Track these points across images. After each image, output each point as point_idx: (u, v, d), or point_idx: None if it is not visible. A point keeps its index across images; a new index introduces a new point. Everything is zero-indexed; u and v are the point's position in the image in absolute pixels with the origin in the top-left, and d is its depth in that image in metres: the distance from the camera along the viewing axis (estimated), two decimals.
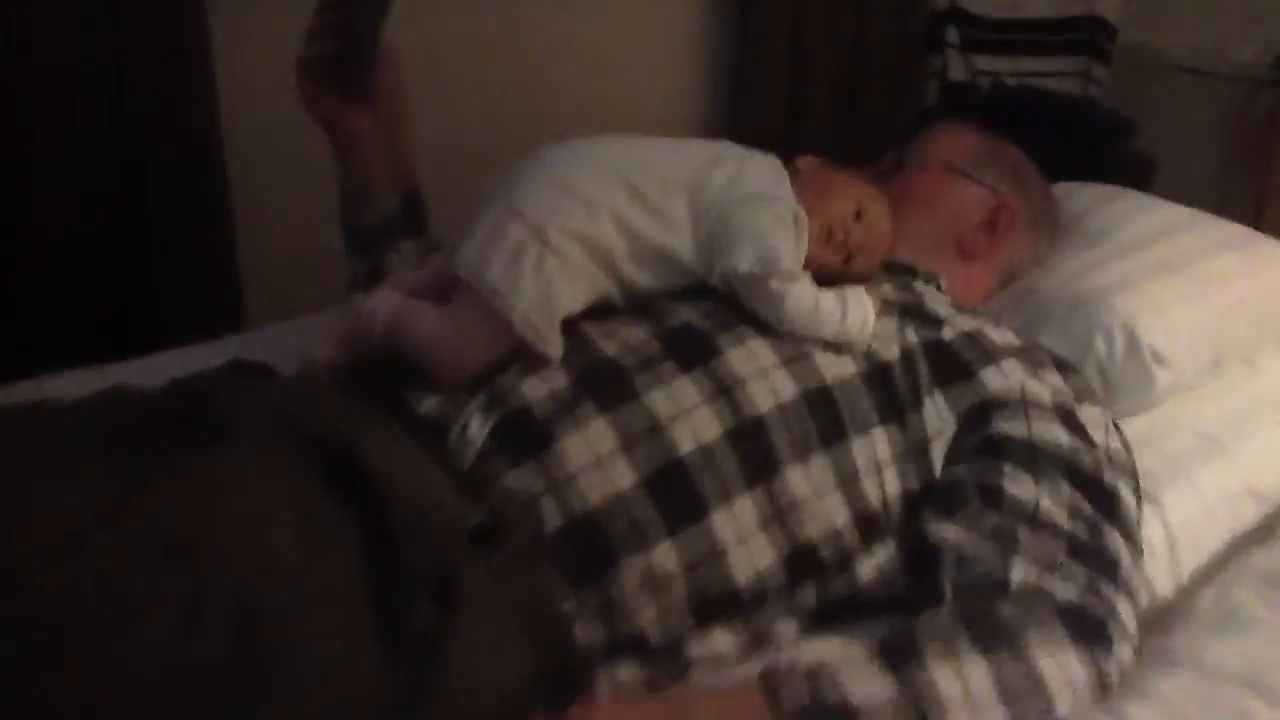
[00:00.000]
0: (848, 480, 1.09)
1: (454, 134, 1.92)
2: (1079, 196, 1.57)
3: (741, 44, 2.52)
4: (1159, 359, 1.31)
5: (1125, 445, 1.20)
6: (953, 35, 2.78)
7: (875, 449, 1.11)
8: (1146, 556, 1.21)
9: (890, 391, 1.13)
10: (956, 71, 2.83)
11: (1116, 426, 1.22)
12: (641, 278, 1.13)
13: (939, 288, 1.34)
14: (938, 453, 1.12)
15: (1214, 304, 1.40)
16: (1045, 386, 1.16)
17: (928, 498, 1.11)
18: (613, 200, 1.10)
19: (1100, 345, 1.32)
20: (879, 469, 1.10)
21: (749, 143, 2.48)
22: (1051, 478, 1.10)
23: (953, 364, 1.16)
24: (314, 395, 1.04)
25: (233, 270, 1.91)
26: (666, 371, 1.07)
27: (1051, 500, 1.09)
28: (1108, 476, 1.12)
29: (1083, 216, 1.52)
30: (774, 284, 1.10)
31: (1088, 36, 2.76)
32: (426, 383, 1.07)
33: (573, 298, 1.08)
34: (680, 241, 1.12)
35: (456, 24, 2.02)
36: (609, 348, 1.09)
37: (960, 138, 1.50)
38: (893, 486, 1.11)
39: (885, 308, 1.19)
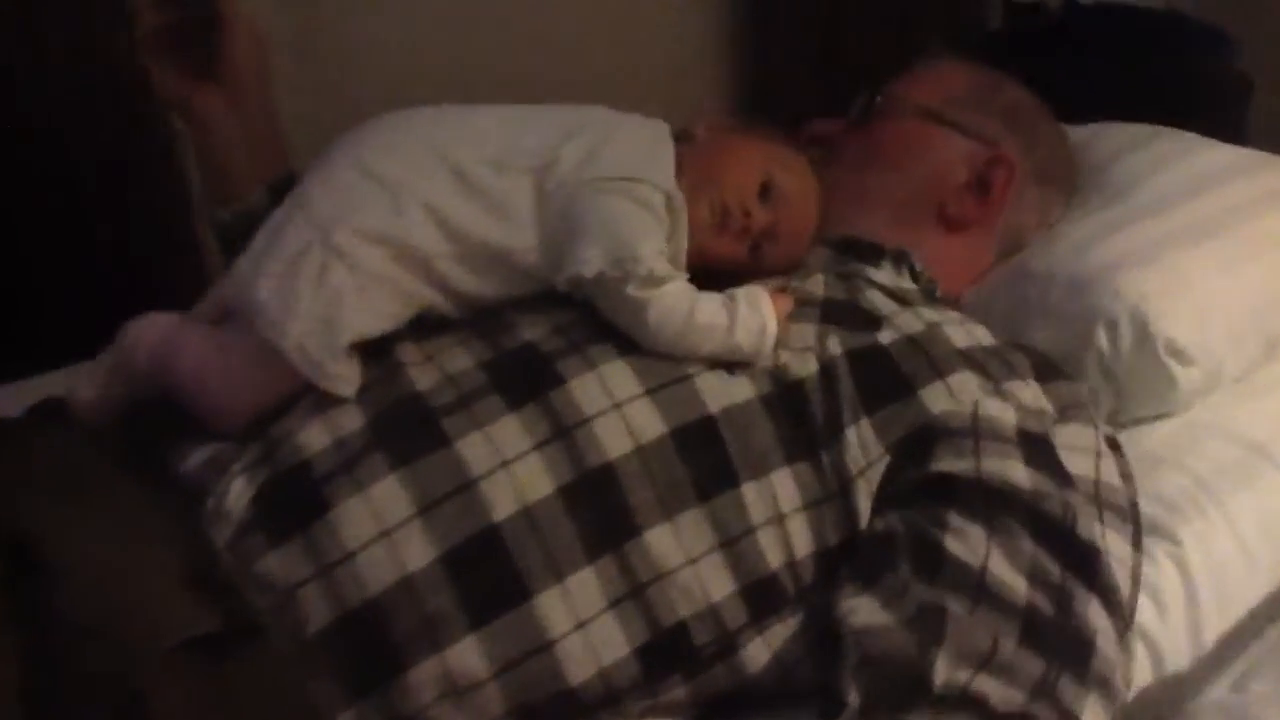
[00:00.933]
0: (734, 540, 0.84)
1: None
2: (1106, 140, 1.27)
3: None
4: (1180, 354, 1.02)
5: (1125, 474, 0.93)
6: None
7: (777, 495, 0.86)
8: (1154, 616, 0.94)
9: (802, 419, 0.88)
10: None
11: (1115, 447, 0.94)
12: (477, 285, 0.89)
13: (912, 271, 1.07)
14: (863, 496, 0.87)
15: (1263, 274, 1.10)
16: (1009, 405, 0.89)
17: (848, 557, 0.86)
18: (428, 188, 0.87)
19: (1102, 340, 1.03)
20: (782, 521, 0.86)
21: (775, 74, 2.17)
22: (1008, 530, 0.84)
23: (887, 379, 0.90)
24: (42, 462, 0.84)
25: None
26: (488, 410, 0.84)
27: (1005, 561, 0.83)
28: (1083, 525, 0.85)
29: (1106, 166, 1.22)
30: (631, 289, 0.85)
31: None
32: (201, 430, 0.87)
33: (368, 317, 0.85)
34: (521, 239, 0.88)
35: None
36: (422, 379, 0.86)
37: (943, 76, 1.22)
38: (802, 542, 0.86)
39: (801, 308, 0.93)
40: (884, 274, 1.04)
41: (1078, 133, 1.29)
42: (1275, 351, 1.13)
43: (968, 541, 0.84)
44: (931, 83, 1.21)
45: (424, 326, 0.90)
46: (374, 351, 0.88)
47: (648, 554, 0.82)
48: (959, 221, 1.13)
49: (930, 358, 0.91)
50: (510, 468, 0.81)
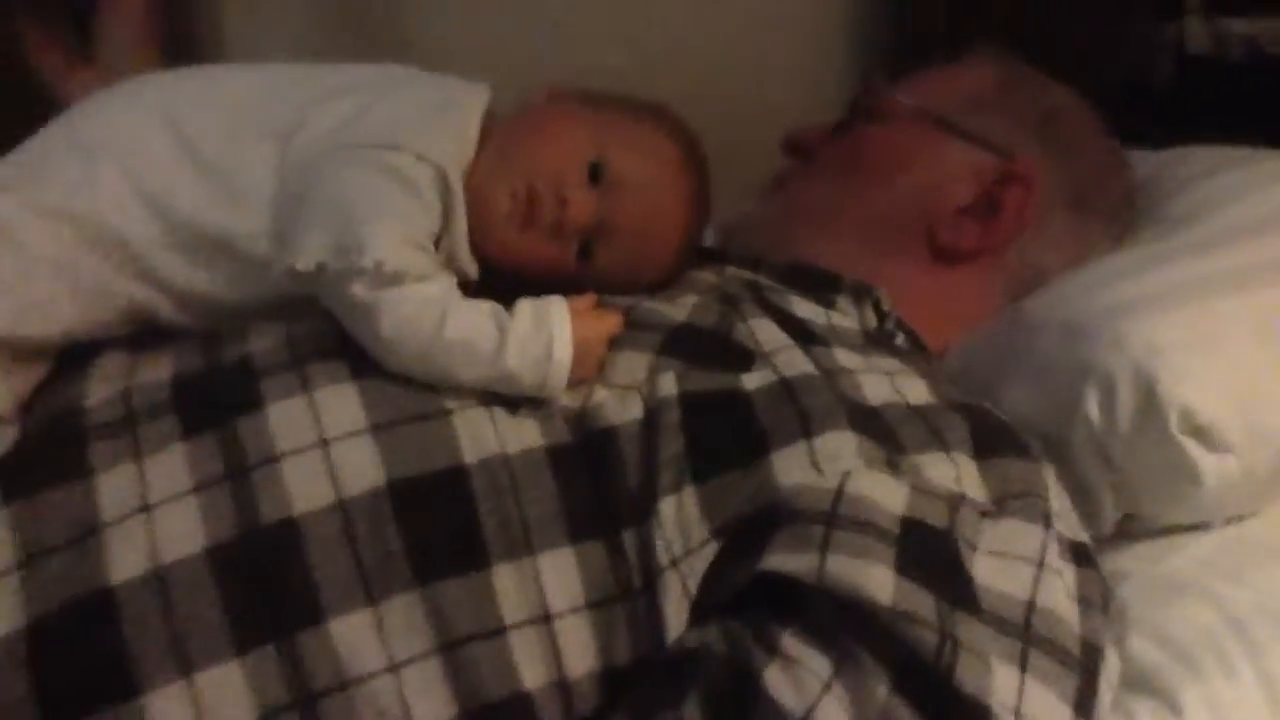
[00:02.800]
0: (463, 642, 0.60)
1: None
2: (1184, 164, 0.97)
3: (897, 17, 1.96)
4: (1203, 433, 0.71)
5: (1088, 598, 0.63)
6: None
7: (544, 586, 0.62)
8: None
9: (606, 483, 0.64)
10: (1197, 41, 2.16)
11: (1083, 559, 0.65)
12: (205, 283, 0.69)
13: (878, 308, 0.81)
14: (673, 595, 0.61)
15: None
16: (900, 483, 0.62)
17: (640, 685, 0.61)
18: (136, 155, 0.68)
19: (1092, 406, 0.73)
20: (549, 622, 0.61)
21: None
22: (858, 666, 0.57)
23: (734, 435, 0.64)
24: None
25: None
26: (155, 435, 0.63)
27: (843, 715, 0.56)
28: (970, 668, 0.57)
29: (1174, 194, 0.92)
30: (358, 289, 0.63)
31: None
32: None
33: (33, 315, 0.67)
34: (246, 222, 0.68)
35: None
36: (95, 393, 0.66)
37: (962, 73, 0.96)
38: (578, 655, 0.61)
39: (636, 333, 0.69)
40: (814, 308, 0.79)
41: (1156, 158, 1.00)
42: None
43: (797, 677, 0.57)
44: (944, 80, 0.95)
45: (160, 336, 0.71)
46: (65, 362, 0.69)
47: (330, 651, 0.59)
48: (953, 252, 0.87)
49: (802, 410, 0.65)
50: (152, 514, 0.60)
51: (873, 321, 0.81)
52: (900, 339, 0.82)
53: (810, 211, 0.90)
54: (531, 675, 0.61)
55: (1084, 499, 0.75)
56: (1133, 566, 0.76)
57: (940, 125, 0.90)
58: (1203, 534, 0.77)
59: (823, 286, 0.81)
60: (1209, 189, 0.91)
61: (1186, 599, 0.72)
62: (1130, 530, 0.78)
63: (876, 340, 0.79)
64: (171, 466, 0.62)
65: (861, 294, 0.82)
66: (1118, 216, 0.92)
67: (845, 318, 0.79)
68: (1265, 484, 0.75)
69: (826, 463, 0.62)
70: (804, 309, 0.77)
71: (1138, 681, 0.67)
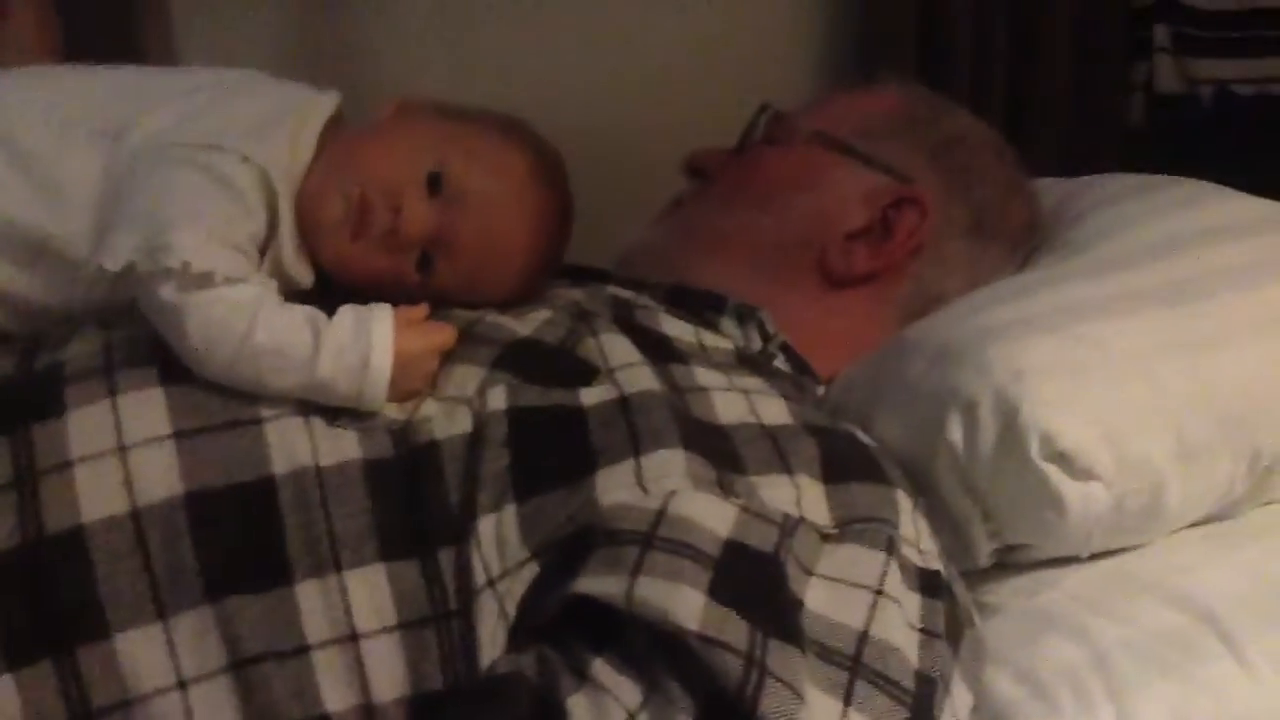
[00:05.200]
0: (257, 660, 0.58)
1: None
2: (1093, 190, 0.94)
3: (861, 47, 1.92)
4: (1067, 460, 0.68)
5: (930, 629, 0.60)
6: (1162, 36, 2.11)
7: (352, 604, 0.59)
8: None
9: (422, 499, 0.61)
10: (1167, 81, 2.14)
11: (933, 590, 0.62)
12: (26, 285, 0.67)
13: (763, 332, 0.79)
14: (488, 617, 0.59)
15: (1253, 360, 0.74)
16: (729, 505, 0.59)
17: (445, 711, 0.58)
18: None
19: (955, 432, 0.70)
20: (355, 643, 0.58)
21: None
22: (666, 697, 0.54)
23: (561, 453, 0.62)
24: None
25: None
26: None
27: None
28: (775, 699, 0.54)
29: (1075, 221, 0.89)
30: (166, 291, 0.61)
31: None
32: None
33: None
34: (66, 223, 0.66)
35: None
36: None
37: (863, 98, 0.94)
38: (385, 678, 0.59)
39: (471, 347, 0.66)
40: (685, 326, 0.76)
41: (1065, 185, 0.98)
42: (1268, 481, 0.76)
43: (602, 707, 0.55)
44: (846, 105, 0.93)
45: None
46: None
47: (113, 667, 0.57)
48: (843, 276, 0.85)
49: (634, 427, 0.62)
50: None
51: (757, 344, 0.79)
52: (780, 360, 0.80)
53: (702, 234, 0.89)
54: (334, 697, 0.58)
55: (955, 529, 0.72)
56: (1006, 600, 0.73)
57: (836, 148, 0.88)
58: (1079, 567, 0.74)
59: (706, 307, 0.79)
60: (1106, 217, 0.88)
61: (1053, 634, 0.69)
62: (1007, 562, 0.75)
63: (750, 360, 0.76)
64: None
65: (745, 316, 0.79)
66: (1019, 244, 0.90)
67: (723, 338, 0.77)
68: (1141, 517, 0.71)
69: (652, 482, 0.59)
70: (673, 327, 0.75)
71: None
